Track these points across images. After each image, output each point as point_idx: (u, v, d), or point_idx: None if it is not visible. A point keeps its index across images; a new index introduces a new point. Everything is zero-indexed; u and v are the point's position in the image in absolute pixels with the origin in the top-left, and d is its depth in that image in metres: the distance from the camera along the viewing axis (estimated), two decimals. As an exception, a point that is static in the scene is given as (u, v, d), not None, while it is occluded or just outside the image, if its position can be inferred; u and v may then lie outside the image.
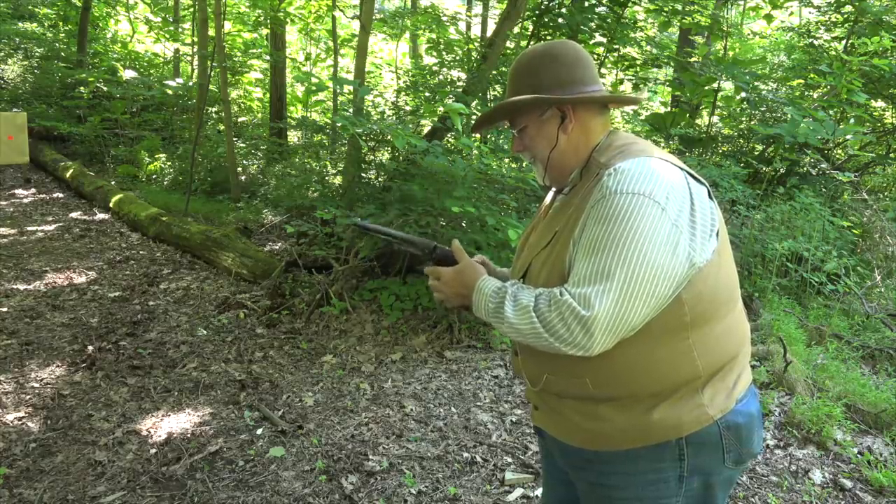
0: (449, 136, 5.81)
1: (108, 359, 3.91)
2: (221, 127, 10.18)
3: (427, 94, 6.75)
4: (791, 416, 3.28)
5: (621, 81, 8.51)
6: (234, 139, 9.08)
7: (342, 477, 2.80)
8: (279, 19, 10.32)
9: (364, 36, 5.97)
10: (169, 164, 9.88)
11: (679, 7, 7.13)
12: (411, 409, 3.42)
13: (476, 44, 7.86)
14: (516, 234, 3.82)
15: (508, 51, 6.74)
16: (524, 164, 5.37)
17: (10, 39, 13.09)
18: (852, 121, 6.61)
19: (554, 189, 1.52)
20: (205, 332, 4.41)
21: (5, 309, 4.64)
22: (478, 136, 5.61)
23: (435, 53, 7.29)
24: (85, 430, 3.14)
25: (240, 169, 8.93)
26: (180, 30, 13.03)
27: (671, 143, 7.14)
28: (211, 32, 8.55)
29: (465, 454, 3.01)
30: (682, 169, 1.30)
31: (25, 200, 8.53)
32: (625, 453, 1.31)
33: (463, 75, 6.84)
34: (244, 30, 12.10)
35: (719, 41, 8.36)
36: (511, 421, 3.33)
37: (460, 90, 6.11)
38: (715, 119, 8.01)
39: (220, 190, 8.68)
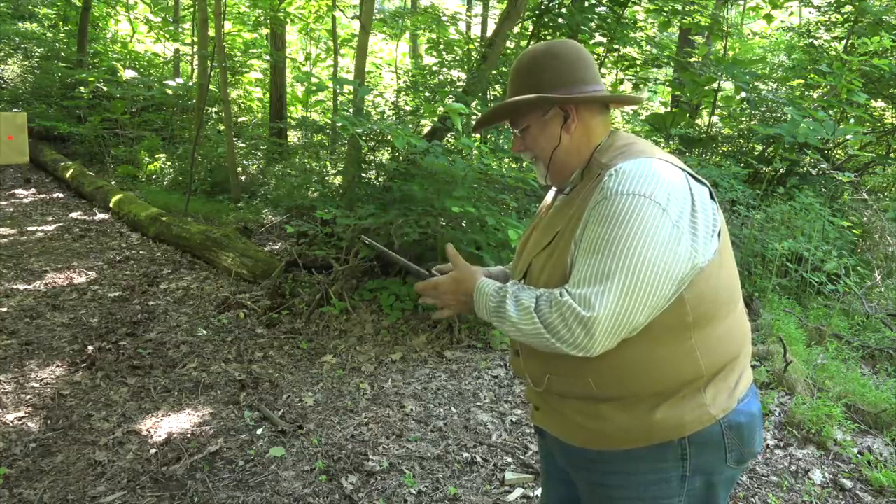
0: (449, 136, 5.80)
1: (108, 359, 3.91)
2: (221, 127, 10.18)
3: (427, 94, 6.75)
4: (791, 416, 3.28)
5: (621, 81, 8.51)
6: (234, 139, 9.08)
7: (342, 477, 2.80)
8: (279, 19, 10.32)
9: (364, 36, 5.97)
10: (169, 164, 9.88)
11: (679, 7, 7.13)
12: (411, 409, 3.42)
13: (476, 44, 7.86)
14: (516, 234, 3.82)
15: (508, 51, 6.74)
16: (524, 164, 5.37)
17: (10, 39, 13.09)
18: (852, 121, 6.61)
19: (555, 189, 1.52)
20: (205, 332, 4.41)
21: (5, 309, 4.64)
22: (478, 136, 5.61)
23: (435, 53, 7.28)
24: (85, 430, 3.14)
25: (240, 169, 8.93)
26: (180, 30, 13.04)
27: (671, 143, 7.14)
28: (211, 32, 8.55)
29: (465, 454, 3.01)
30: (682, 169, 1.31)
31: (25, 200, 8.53)
32: (627, 453, 1.31)
33: (463, 75, 6.84)
34: (244, 30, 12.10)
35: (719, 41, 8.36)
36: (511, 421, 3.33)
37: (460, 90, 6.11)
38: (715, 119, 8.01)
39: (220, 190, 8.68)
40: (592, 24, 6.43)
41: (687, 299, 1.24)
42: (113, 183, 8.90)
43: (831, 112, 6.32)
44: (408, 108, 7.21)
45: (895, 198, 7.09)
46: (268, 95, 11.57)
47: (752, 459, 1.40)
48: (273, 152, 9.72)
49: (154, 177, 9.75)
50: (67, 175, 9.17)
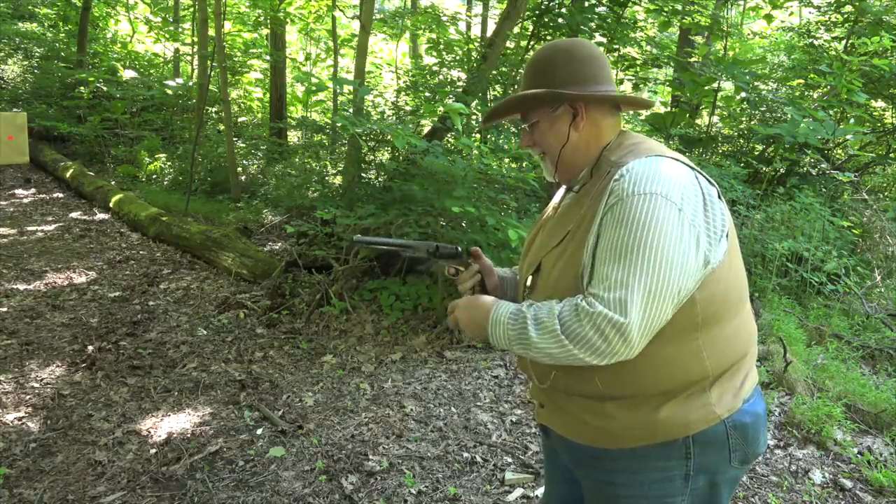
0: (449, 136, 5.80)
1: (108, 359, 3.91)
2: (221, 127, 10.18)
3: (427, 94, 6.75)
4: (791, 416, 3.28)
5: (621, 81, 8.50)
6: (234, 139, 9.08)
7: (342, 477, 2.80)
8: (279, 19, 10.32)
9: (364, 36, 5.97)
10: (169, 164, 9.88)
11: (679, 7, 7.12)
12: (411, 409, 3.42)
13: (476, 44, 7.86)
14: (516, 234, 3.82)
15: (508, 51, 6.74)
16: (524, 164, 5.37)
17: (10, 39, 13.09)
18: (852, 121, 6.61)
19: (564, 187, 1.51)
20: (205, 332, 4.41)
21: (5, 309, 4.64)
22: (478, 135, 5.61)
23: (435, 53, 7.28)
24: (85, 430, 3.14)
25: (240, 169, 8.93)
26: (180, 30, 13.03)
27: (671, 143, 7.13)
28: (211, 32, 8.55)
29: (465, 454, 3.01)
30: (692, 168, 1.31)
31: (25, 200, 8.53)
32: (631, 451, 1.31)
33: (463, 75, 6.83)
34: (244, 30, 12.10)
35: (719, 41, 8.36)
36: (511, 421, 3.33)
37: (460, 90, 6.11)
38: (715, 119, 8.01)
39: (220, 190, 8.69)
40: (592, 24, 6.42)
41: (698, 300, 1.24)
42: (113, 183, 8.91)
43: (831, 112, 6.32)
44: (408, 108, 7.21)
45: (895, 198, 7.09)
46: (268, 95, 11.57)
47: (756, 460, 1.39)
48: (273, 152, 9.72)
49: (154, 177, 9.75)
50: (67, 175, 9.17)
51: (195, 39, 11.04)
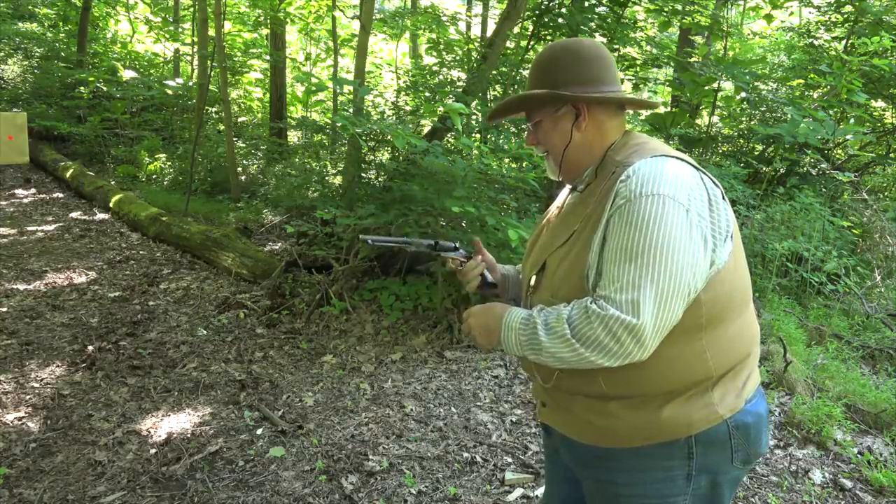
0: (449, 136, 5.80)
1: (108, 359, 3.91)
2: (221, 127, 10.18)
3: (427, 94, 6.75)
4: (791, 416, 3.28)
5: (622, 81, 8.48)
6: (234, 139, 9.08)
7: (342, 477, 2.80)
8: (279, 19, 10.32)
9: (364, 36, 5.97)
10: (169, 164, 9.88)
11: (679, 7, 7.12)
12: (411, 409, 3.42)
13: (476, 44, 7.86)
14: (516, 234, 3.82)
15: (508, 51, 6.74)
16: (524, 164, 5.37)
17: (10, 39, 13.09)
18: (852, 121, 6.61)
19: (568, 186, 1.52)
20: (205, 332, 4.41)
21: (5, 309, 4.64)
22: (478, 135, 5.61)
23: (435, 53, 7.28)
24: (85, 430, 3.14)
25: (240, 169, 8.93)
26: (180, 30, 13.04)
27: (671, 143, 7.14)
28: (211, 32, 8.55)
29: (465, 454, 3.01)
30: (697, 169, 1.31)
31: (25, 200, 8.54)
32: (634, 451, 1.31)
33: (463, 75, 6.83)
34: (244, 30, 12.10)
35: (719, 41, 8.35)
36: (511, 421, 3.33)
37: (460, 90, 6.10)
38: (715, 119, 8.01)
39: (220, 190, 8.69)
40: (592, 24, 6.42)
41: (703, 301, 1.24)
42: (113, 183, 8.91)
43: (831, 112, 6.32)
44: (408, 108, 7.21)
45: (895, 198, 7.09)
46: (268, 95, 11.57)
47: (758, 460, 1.39)
48: (273, 152, 9.72)
49: (154, 177, 9.75)
50: (67, 175, 9.17)
51: (195, 39, 11.04)
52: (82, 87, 10.84)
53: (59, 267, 5.73)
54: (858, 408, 3.37)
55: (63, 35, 13.84)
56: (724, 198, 1.31)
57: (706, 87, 6.79)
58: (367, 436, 3.15)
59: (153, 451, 2.97)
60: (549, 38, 6.61)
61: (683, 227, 1.19)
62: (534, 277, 1.42)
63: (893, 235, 5.58)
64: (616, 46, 6.96)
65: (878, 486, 2.79)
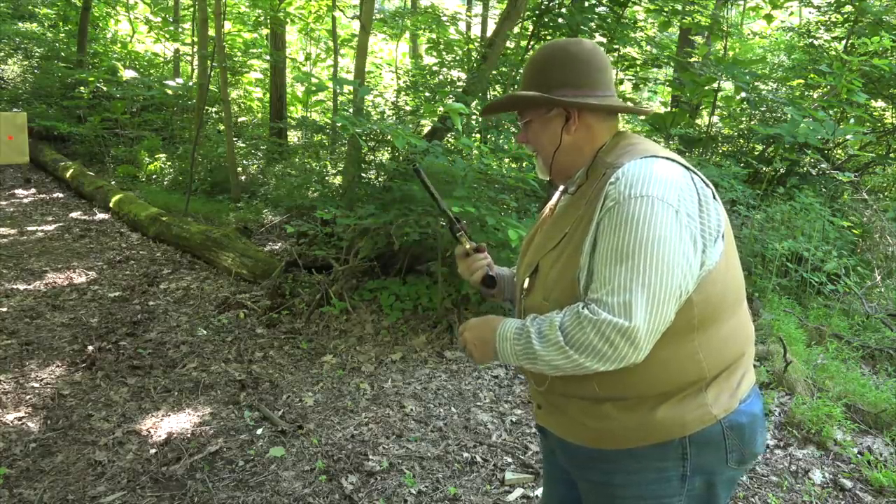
0: (449, 136, 5.80)
1: (108, 359, 3.91)
2: (221, 127, 10.18)
3: (427, 94, 6.75)
4: (791, 416, 3.28)
5: (621, 81, 8.50)
6: (234, 139, 9.08)
7: (342, 477, 2.80)
8: (279, 19, 10.32)
9: (364, 36, 5.97)
10: (169, 164, 9.88)
11: (679, 7, 7.12)
12: (411, 409, 3.42)
13: (476, 44, 7.86)
14: (516, 234, 3.82)
15: (508, 51, 6.74)
16: (524, 164, 5.37)
17: (10, 39, 13.09)
18: (852, 121, 6.61)
19: (561, 188, 1.52)
20: (205, 332, 4.41)
21: (5, 309, 4.64)
22: (478, 135, 5.61)
23: (435, 53, 7.28)
24: (85, 430, 3.14)
25: (240, 169, 8.93)
26: (180, 30, 13.04)
27: (671, 143, 7.14)
28: (211, 32, 8.55)
29: (465, 454, 3.01)
30: (688, 169, 1.30)
31: (25, 200, 8.54)
32: (628, 452, 1.31)
33: (463, 75, 6.84)
34: (244, 30, 12.10)
35: (719, 41, 8.36)
36: (511, 421, 3.33)
37: (460, 90, 6.11)
38: (715, 119, 8.01)
39: (220, 190, 8.69)
40: (592, 24, 6.42)
41: (695, 302, 1.24)
42: (113, 183, 8.91)
43: (831, 112, 6.32)
44: (408, 108, 7.21)
45: (895, 198, 7.09)
46: (268, 95, 11.57)
47: (754, 460, 1.39)
48: (273, 152, 9.72)
49: (154, 177, 9.76)
50: (67, 175, 9.17)
51: (195, 39, 11.04)
52: (82, 87, 10.84)
53: (59, 267, 5.73)
54: (858, 408, 3.37)
55: (63, 35, 13.84)
56: (715, 198, 1.30)
57: (706, 87, 6.79)
58: (367, 436, 3.15)
59: (153, 451, 2.97)
60: (548, 37, 6.61)
61: (673, 227, 1.19)
62: (527, 280, 1.42)
63: (893, 235, 5.58)
64: (616, 46, 6.96)
65: (878, 486, 2.79)
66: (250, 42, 12.24)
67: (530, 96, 1.39)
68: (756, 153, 7.17)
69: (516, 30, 6.84)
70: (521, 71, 6.98)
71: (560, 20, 6.46)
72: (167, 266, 5.91)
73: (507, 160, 5.28)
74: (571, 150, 1.41)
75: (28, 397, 3.41)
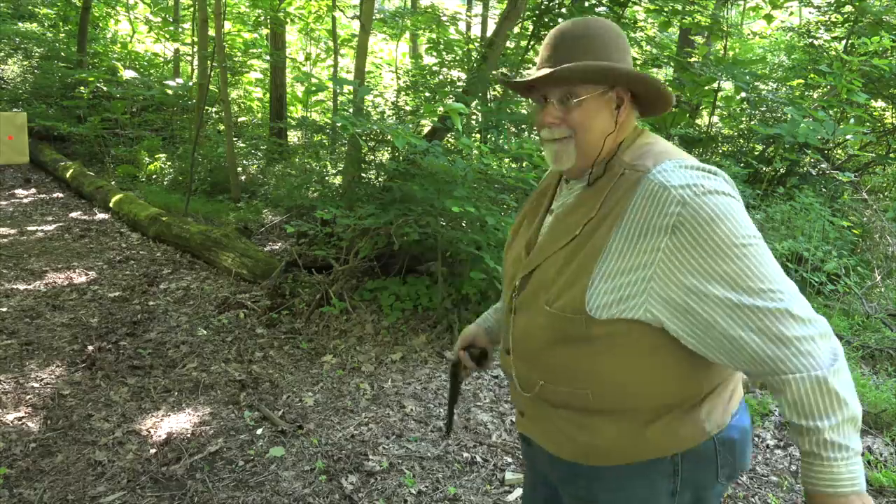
0: (449, 136, 5.80)
1: (108, 359, 3.91)
2: (221, 127, 10.18)
3: (427, 94, 6.76)
4: (791, 416, 3.27)
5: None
6: (234, 139, 9.08)
7: (342, 477, 2.80)
8: (279, 19, 10.32)
9: (364, 36, 5.97)
10: (169, 164, 9.88)
11: (679, 7, 7.12)
12: (411, 409, 3.42)
13: (476, 44, 7.86)
14: (516, 234, 3.81)
15: (508, 51, 6.74)
16: (524, 164, 5.36)
17: (10, 39, 13.09)
18: (852, 121, 6.61)
19: (565, 180, 1.37)
20: (205, 332, 4.41)
21: (5, 309, 4.64)
22: (478, 135, 5.60)
23: (435, 53, 7.28)
24: (85, 430, 3.14)
25: (240, 169, 8.93)
26: (180, 30, 13.04)
27: (671, 143, 7.13)
28: (211, 32, 8.55)
29: (465, 454, 3.01)
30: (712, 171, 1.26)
31: (25, 200, 8.53)
32: (617, 468, 1.25)
33: (463, 75, 6.84)
34: (244, 30, 12.10)
35: (719, 41, 8.36)
36: (511, 421, 3.33)
37: (460, 90, 6.11)
38: (715, 119, 8.01)
39: (220, 190, 8.69)
40: (592, 24, 6.42)
41: None
42: (113, 183, 8.90)
43: (831, 112, 6.32)
44: (408, 108, 7.21)
45: (895, 198, 7.09)
46: (268, 95, 11.57)
47: (742, 473, 1.35)
48: (273, 152, 9.72)
49: (154, 177, 9.76)
50: (67, 175, 9.17)
51: (195, 39, 11.04)
52: (82, 87, 10.84)
53: (59, 267, 5.73)
54: (858, 408, 3.37)
55: (63, 35, 13.83)
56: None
57: (706, 87, 6.80)
58: (367, 436, 3.15)
59: (153, 451, 2.97)
60: (549, 38, 6.60)
61: (745, 215, 1.14)
62: (520, 279, 1.33)
63: (893, 235, 5.58)
64: (616, 46, 6.95)
65: (878, 486, 2.79)
66: (250, 42, 12.24)
67: (630, 72, 1.22)
68: (756, 153, 7.17)
69: (516, 30, 6.84)
70: (521, 71, 7.00)
71: (560, 20, 6.46)
72: (167, 266, 5.91)
73: (507, 160, 5.28)
74: (612, 139, 1.27)
75: (28, 397, 3.41)
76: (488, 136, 5.50)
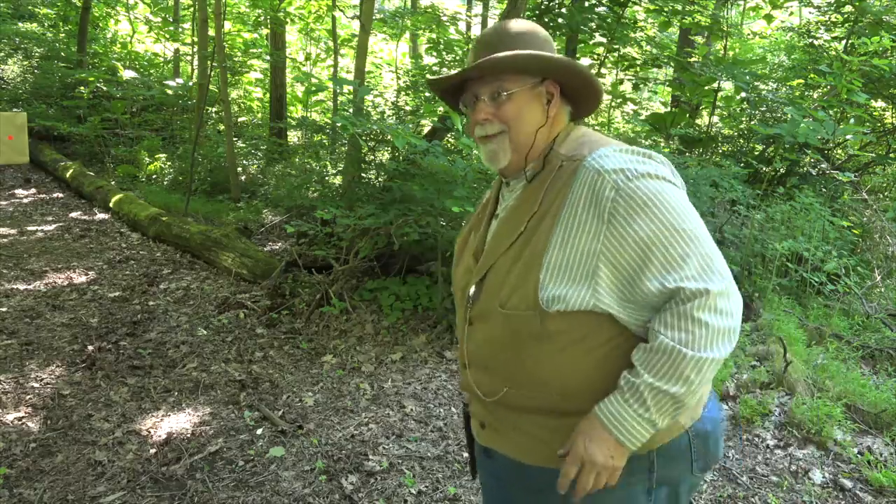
0: (449, 136, 5.80)
1: (108, 359, 3.91)
2: (221, 127, 10.18)
3: (427, 94, 6.75)
4: (791, 416, 3.28)
5: (621, 81, 8.51)
6: (234, 139, 9.08)
7: (342, 477, 2.80)
8: (279, 19, 10.32)
9: (364, 36, 5.97)
10: (169, 164, 9.88)
11: (679, 7, 7.13)
12: (411, 409, 3.42)
13: (476, 44, 7.84)
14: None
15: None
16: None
17: (10, 39, 13.09)
18: (852, 121, 6.61)
19: (504, 181, 1.36)
20: (205, 332, 4.41)
21: (5, 309, 4.64)
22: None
23: (435, 53, 7.29)
24: (85, 430, 3.14)
25: (240, 169, 8.93)
26: (180, 30, 13.04)
27: (671, 143, 7.14)
28: (211, 32, 8.55)
29: (465, 454, 3.01)
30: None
31: (25, 200, 8.53)
32: None
33: (463, 75, 6.81)
34: (244, 30, 12.11)
35: (719, 41, 8.36)
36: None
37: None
38: (715, 119, 8.02)
39: (220, 190, 8.69)
40: (592, 24, 6.43)
41: None
42: (113, 183, 8.90)
43: (831, 112, 6.33)
44: (408, 108, 7.21)
45: (895, 198, 7.09)
46: (268, 95, 11.57)
47: (715, 465, 1.34)
48: (273, 152, 9.72)
49: (154, 177, 9.76)
50: (67, 175, 9.17)
51: (195, 39, 11.04)
52: (82, 87, 10.84)
53: (59, 267, 5.73)
54: (858, 408, 3.37)
55: (63, 35, 13.83)
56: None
57: (706, 87, 6.80)
58: (367, 436, 3.15)
59: (153, 451, 2.97)
60: (549, 38, 6.60)
61: (683, 197, 1.16)
62: (473, 288, 1.29)
63: (893, 235, 5.58)
64: (616, 46, 6.97)
65: (878, 486, 2.79)
66: (250, 42, 12.24)
67: (546, 56, 1.22)
68: (756, 153, 7.17)
69: (516, 30, 6.82)
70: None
71: (560, 20, 6.46)
72: (167, 266, 5.91)
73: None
74: (545, 133, 1.27)
75: (28, 397, 3.41)
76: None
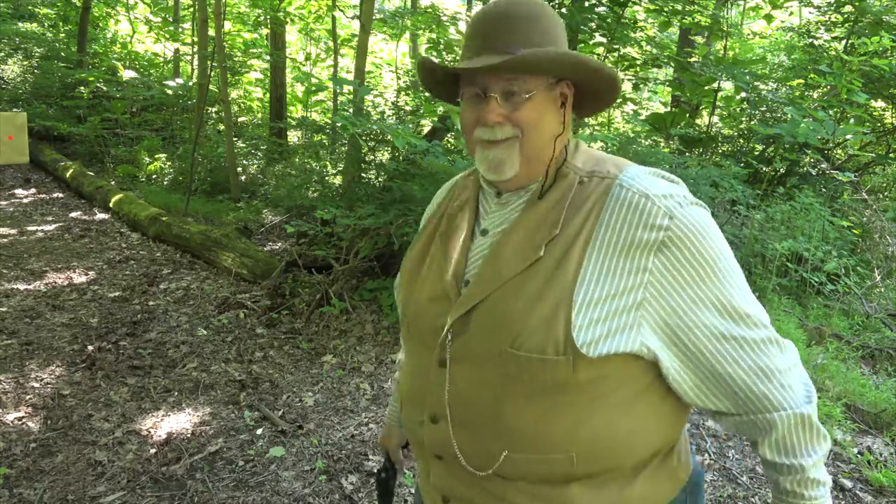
0: (449, 136, 5.80)
1: (108, 359, 3.91)
2: (221, 127, 10.18)
3: (427, 93, 6.75)
4: (791, 416, 3.27)
5: (621, 81, 8.48)
6: (234, 139, 9.08)
7: (342, 477, 2.80)
8: (279, 19, 10.33)
9: (364, 36, 5.97)
10: (169, 164, 9.89)
11: (679, 7, 7.12)
12: (411, 409, 3.42)
13: (476, 44, 7.84)
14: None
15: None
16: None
17: (10, 39, 13.09)
18: (852, 121, 6.61)
19: (496, 193, 1.11)
20: (205, 332, 4.41)
21: (5, 309, 4.64)
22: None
23: (435, 53, 7.29)
24: (85, 430, 3.14)
25: (240, 169, 8.93)
26: (180, 30, 13.04)
27: (671, 143, 7.14)
28: (211, 32, 8.55)
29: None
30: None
31: (25, 200, 8.54)
32: None
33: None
34: (244, 30, 12.11)
35: (719, 41, 8.36)
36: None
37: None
38: (715, 119, 8.02)
39: (220, 190, 8.69)
40: (592, 24, 6.42)
41: None
42: (113, 183, 8.90)
43: (831, 112, 6.33)
44: (408, 108, 7.21)
45: (895, 198, 7.09)
46: (268, 95, 11.58)
47: None
48: (273, 152, 9.72)
49: (154, 177, 9.76)
50: (67, 175, 9.17)
51: (195, 39, 11.04)
52: (82, 87, 10.84)
53: (59, 267, 5.73)
54: (858, 408, 3.37)
55: (63, 35, 13.84)
56: None
57: (706, 87, 6.80)
58: (367, 436, 3.15)
59: (153, 451, 2.98)
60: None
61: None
62: (450, 319, 1.04)
63: (893, 235, 5.58)
64: (616, 46, 6.97)
65: (878, 486, 2.79)
66: (250, 42, 12.25)
67: (590, 62, 1.00)
68: (756, 153, 7.17)
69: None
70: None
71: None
72: (167, 266, 5.91)
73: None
74: (562, 142, 1.07)
75: (28, 397, 3.42)
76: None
